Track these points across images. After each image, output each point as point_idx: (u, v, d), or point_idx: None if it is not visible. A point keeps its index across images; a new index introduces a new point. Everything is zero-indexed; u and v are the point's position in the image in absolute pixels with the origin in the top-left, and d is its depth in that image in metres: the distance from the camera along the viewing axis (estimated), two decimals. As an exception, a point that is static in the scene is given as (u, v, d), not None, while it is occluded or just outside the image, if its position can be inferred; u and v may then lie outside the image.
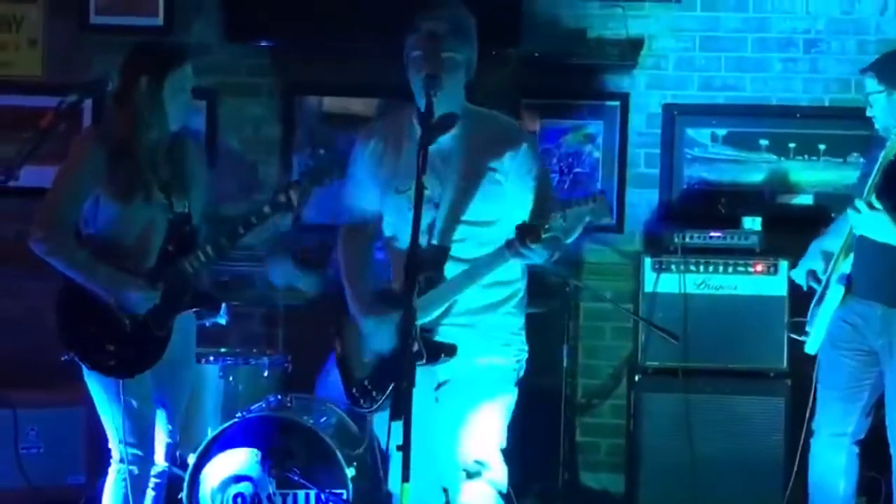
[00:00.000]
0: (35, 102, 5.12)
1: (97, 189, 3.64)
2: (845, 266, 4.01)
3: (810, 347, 4.12)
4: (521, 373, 3.48)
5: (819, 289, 4.09)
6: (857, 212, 3.86)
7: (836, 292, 4.00)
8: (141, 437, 3.71)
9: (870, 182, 3.88)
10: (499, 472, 3.40)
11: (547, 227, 3.13)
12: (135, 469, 3.70)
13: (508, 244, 3.21)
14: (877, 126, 4.03)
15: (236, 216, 3.68)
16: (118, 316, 3.62)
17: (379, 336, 3.39)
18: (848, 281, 4.00)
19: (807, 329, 4.12)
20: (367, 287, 3.51)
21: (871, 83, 4.01)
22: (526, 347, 3.50)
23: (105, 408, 3.69)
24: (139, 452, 3.71)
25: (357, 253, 3.57)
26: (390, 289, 3.44)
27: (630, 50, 5.36)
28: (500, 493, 3.41)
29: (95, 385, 3.69)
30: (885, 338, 3.98)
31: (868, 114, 4.05)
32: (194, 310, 3.79)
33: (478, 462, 3.37)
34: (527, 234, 3.15)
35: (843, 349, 4.07)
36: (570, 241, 3.18)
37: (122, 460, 3.69)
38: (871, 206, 3.84)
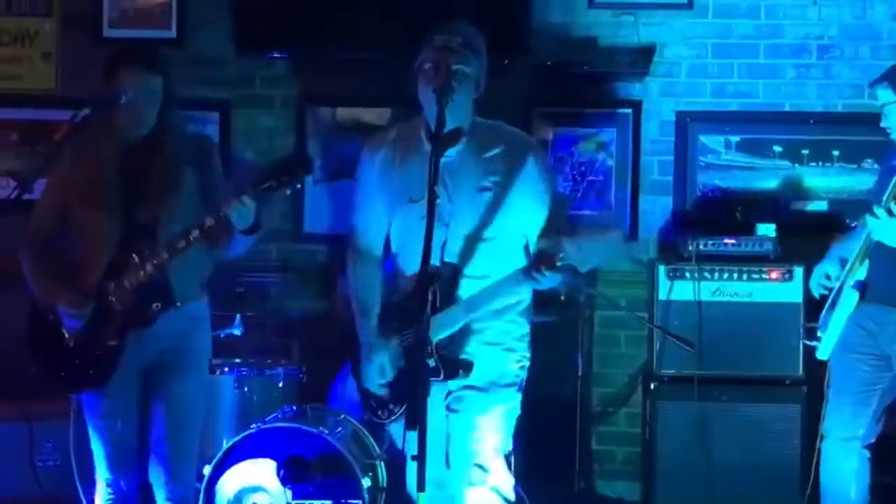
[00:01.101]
0: (49, 116, 5.16)
1: (64, 199, 3.62)
2: (860, 273, 3.99)
3: (822, 353, 4.11)
4: (523, 380, 3.49)
5: (832, 293, 4.08)
6: (876, 218, 3.85)
7: (850, 298, 3.99)
8: (114, 457, 3.64)
9: (889, 189, 3.86)
10: (502, 478, 3.41)
11: (562, 255, 3.17)
12: (109, 489, 3.66)
13: (524, 270, 3.25)
14: (893, 137, 4.02)
15: (184, 228, 3.49)
16: (61, 330, 3.58)
17: (390, 367, 3.39)
18: (862, 287, 3.98)
19: (818, 334, 4.11)
20: (375, 319, 3.47)
21: (886, 94, 3.99)
22: (528, 355, 3.50)
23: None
24: (110, 475, 3.65)
25: (368, 285, 3.51)
26: (401, 304, 3.43)
27: (642, 57, 5.36)
28: (504, 499, 3.41)
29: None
30: None
31: (882, 124, 4.04)
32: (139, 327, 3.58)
33: (480, 468, 3.38)
34: (542, 261, 3.20)
35: (856, 353, 4.06)
36: (585, 271, 3.22)
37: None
38: (889, 213, 3.82)
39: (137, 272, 3.50)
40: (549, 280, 3.23)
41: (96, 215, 3.56)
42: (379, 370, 3.39)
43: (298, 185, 3.45)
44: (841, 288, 4.03)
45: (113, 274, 3.54)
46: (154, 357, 3.64)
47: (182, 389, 3.68)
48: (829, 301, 4.08)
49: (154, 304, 3.54)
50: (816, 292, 4.22)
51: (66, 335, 3.58)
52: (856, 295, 3.98)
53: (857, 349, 4.05)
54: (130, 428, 3.66)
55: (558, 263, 3.19)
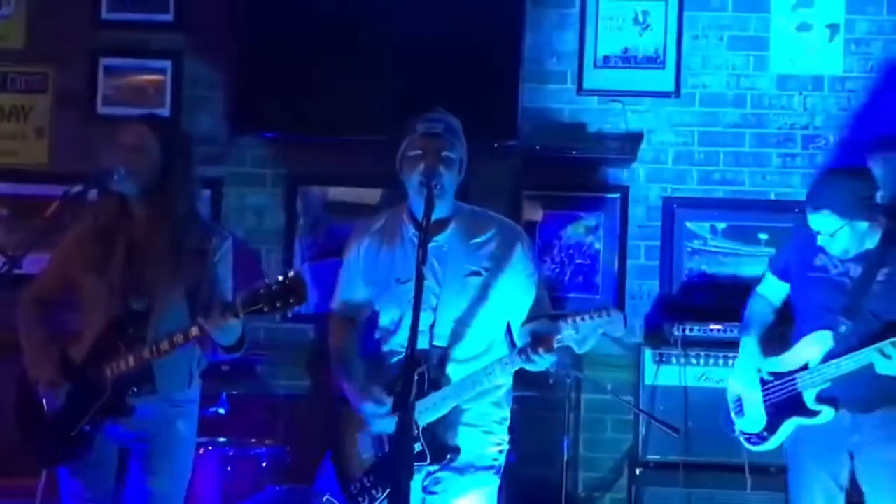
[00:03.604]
0: (41, 191, 5.17)
1: (68, 271, 3.64)
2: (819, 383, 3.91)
3: (765, 448, 4.07)
4: (502, 465, 3.48)
5: (773, 394, 4.02)
6: (889, 358, 3.73)
7: (826, 414, 3.93)
8: None
9: None
10: None
11: (559, 337, 3.19)
12: None
13: (520, 351, 3.26)
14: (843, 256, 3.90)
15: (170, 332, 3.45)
16: (43, 402, 3.56)
17: (382, 420, 3.37)
18: (833, 400, 3.91)
19: (765, 434, 4.04)
20: (361, 372, 3.49)
21: (829, 221, 3.79)
22: (507, 439, 3.51)
23: None
24: None
25: (349, 341, 3.56)
26: (387, 387, 3.42)
27: (629, 144, 5.44)
28: None
29: None
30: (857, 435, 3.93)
31: (835, 253, 3.88)
32: (108, 416, 3.53)
33: None
34: (539, 343, 3.21)
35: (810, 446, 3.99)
36: (583, 351, 3.24)
37: None
38: None
39: (120, 361, 3.48)
40: (545, 362, 3.24)
41: (97, 292, 3.57)
42: (378, 402, 3.35)
43: (289, 315, 3.36)
44: (793, 392, 3.98)
45: (98, 357, 3.52)
46: (133, 443, 3.60)
47: (159, 483, 3.61)
48: (774, 402, 4.00)
49: (131, 390, 3.50)
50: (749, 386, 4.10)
51: (46, 409, 3.56)
52: (832, 411, 3.89)
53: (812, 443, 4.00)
54: None
55: (556, 346, 3.21)
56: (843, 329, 3.85)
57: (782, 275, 4.12)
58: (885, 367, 3.77)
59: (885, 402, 3.88)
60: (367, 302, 3.54)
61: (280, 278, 3.25)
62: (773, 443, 4.05)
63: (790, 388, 3.97)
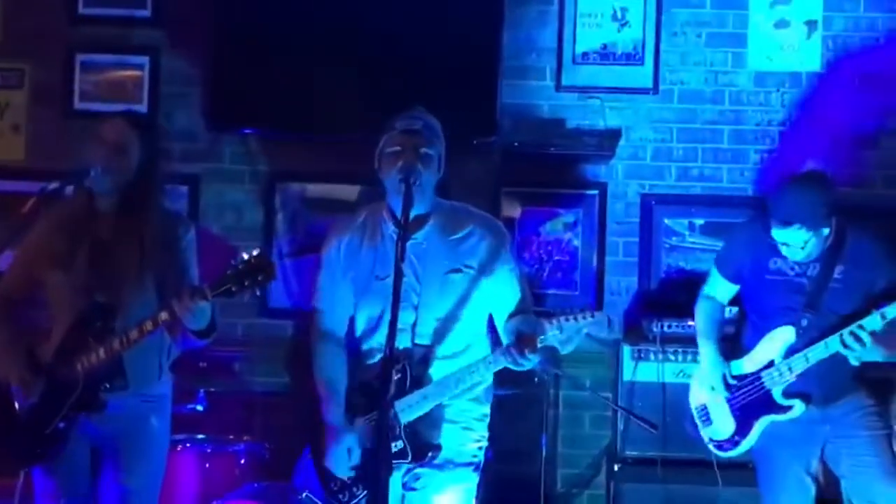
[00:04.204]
0: (17, 188, 5.13)
1: (33, 268, 3.62)
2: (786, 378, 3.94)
3: (736, 452, 4.09)
4: (482, 461, 3.50)
5: (741, 395, 4.04)
6: (864, 345, 3.76)
7: (798, 408, 3.96)
8: None
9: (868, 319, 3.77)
10: None
11: (542, 338, 3.22)
12: None
13: (504, 351, 3.26)
14: (805, 260, 3.94)
15: (140, 319, 3.45)
16: (14, 402, 3.54)
17: (357, 450, 3.37)
18: (805, 395, 3.95)
19: (737, 439, 4.07)
20: (342, 401, 3.46)
21: (799, 234, 3.81)
22: (486, 435, 3.52)
23: None
24: None
25: (333, 367, 3.51)
26: (369, 384, 3.42)
27: (608, 140, 5.45)
28: None
29: None
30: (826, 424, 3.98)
31: (797, 258, 3.92)
32: (82, 412, 3.50)
33: None
34: (524, 344, 3.23)
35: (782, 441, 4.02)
36: (566, 351, 3.27)
37: None
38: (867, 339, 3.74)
39: (90, 355, 3.47)
40: (529, 362, 3.26)
41: (64, 289, 3.55)
42: (346, 453, 3.37)
43: (258, 293, 3.37)
44: (762, 391, 3.99)
45: (67, 352, 3.51)
46: (107, 440, 3.59)
47: (134, 481, 3.61)
48: (742, 405, 4.04)
49: (103, 385, 3.49)
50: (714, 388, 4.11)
51: (18, 409, 3.54)
52: (802, 405, 3.94)
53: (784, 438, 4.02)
54: None
55: (539, 345, 3.22)
56: (804, 322, 3.89)
57: (735, 278, 4.15)
58: (853, 355, 3.81)
59: (849, 391, 3.97)
60: (351, 308, 3.51)
61: (245, 257, 3.24)
62: (745, 445, 4.08)
63: (758, 388, 4.00)
